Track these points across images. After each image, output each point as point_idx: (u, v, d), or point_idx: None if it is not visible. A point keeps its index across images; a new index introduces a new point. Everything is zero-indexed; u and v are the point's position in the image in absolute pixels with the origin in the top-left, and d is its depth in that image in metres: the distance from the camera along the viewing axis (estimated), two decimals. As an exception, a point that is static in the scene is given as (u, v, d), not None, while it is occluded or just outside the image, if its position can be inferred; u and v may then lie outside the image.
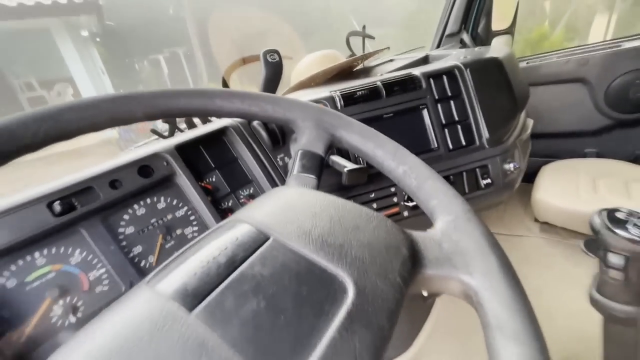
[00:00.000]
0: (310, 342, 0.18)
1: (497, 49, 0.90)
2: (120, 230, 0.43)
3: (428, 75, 0.68)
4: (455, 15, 1.45)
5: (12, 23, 4.91)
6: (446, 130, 0.68)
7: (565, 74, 1.45)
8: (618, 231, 0.37)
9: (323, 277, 0.21)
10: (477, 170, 0.69)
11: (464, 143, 0.68)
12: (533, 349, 0.19)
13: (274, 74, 0.63)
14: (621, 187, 1.15)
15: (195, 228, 0.49)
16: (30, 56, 6.06)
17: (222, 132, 0.56)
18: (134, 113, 0.29)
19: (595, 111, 1.44)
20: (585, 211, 1.11)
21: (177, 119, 0.66)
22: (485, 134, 0.70)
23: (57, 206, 0.37)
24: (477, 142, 0.69)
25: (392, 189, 0.65)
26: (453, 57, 0.83)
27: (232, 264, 0.21)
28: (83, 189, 0.40)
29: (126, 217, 0.44)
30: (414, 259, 0.25)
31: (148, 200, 0.46)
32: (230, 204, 0.53)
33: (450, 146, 0.68)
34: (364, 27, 1.07)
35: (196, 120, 0.68)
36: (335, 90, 0.65)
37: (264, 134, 0.58)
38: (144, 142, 0.74)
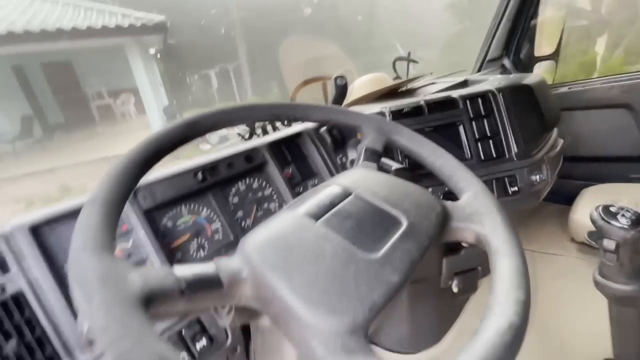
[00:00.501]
0: (383, 241, 0.32)
1: (532, 75, 1.01)
2: (230, 198, 0.60)
3: (465, 98, 0.81)
4: (497, 40, 1.49)
5: (93, 41, 5.70)
6: (479, 143, 0.80)
7: (609, 99, 1.46)
8: (610, 221, 0.48)
9: (387, 216, 0.35)
10: (506, 179, 0.80)
11: (494, 155, 0.80)
12: (518, 261, 0.32)
13: (341, 92, 0.81)
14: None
15: (277, 204, 0.65)
16: (104, 69, 6.95)
17: (298, 135, 0.73)
18: (268, 116, 0.46)
19: None
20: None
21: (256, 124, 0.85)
22: (514, 148, 0.81)
23: (199, 175, 0.55)
24: (507, 155, 0.81)
25: (430, 189, 0.78)
26: (489, 82, 0.95)
27: (332, 205, 0.36)
28: (211, 167, 0.58)
29: (234, 190, 0.61)
30: (444, 215, 0.38)
31: (247, 181, 0.63)
32: (301, 190, 0.69)
33: (482, 157, 0.80)
34: (409, 53, 1.23)
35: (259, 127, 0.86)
36: (385, 106, 0.80)
37: (328, 138, 0.75)
38: (230, 141, 0.93)
